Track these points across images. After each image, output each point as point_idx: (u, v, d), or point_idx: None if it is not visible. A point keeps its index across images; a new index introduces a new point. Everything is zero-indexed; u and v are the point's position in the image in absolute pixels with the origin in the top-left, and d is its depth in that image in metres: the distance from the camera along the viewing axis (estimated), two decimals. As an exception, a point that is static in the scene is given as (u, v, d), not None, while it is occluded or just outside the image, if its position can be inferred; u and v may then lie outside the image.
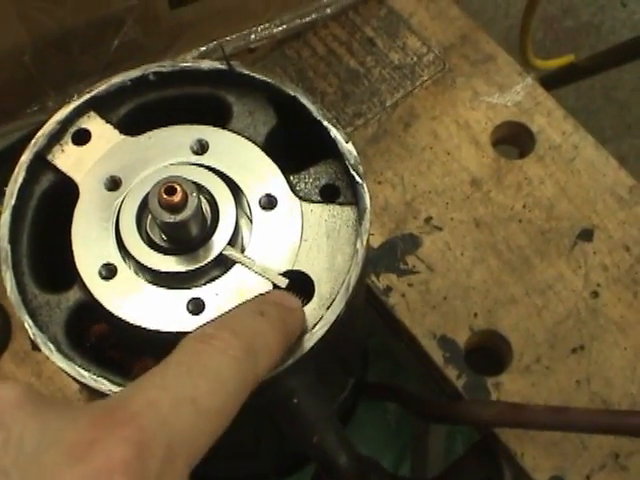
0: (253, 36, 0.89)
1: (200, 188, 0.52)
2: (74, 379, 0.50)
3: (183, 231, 0.50)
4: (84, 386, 0.51)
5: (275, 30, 0.90)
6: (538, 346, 0.76)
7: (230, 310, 0.47)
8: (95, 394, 0.51)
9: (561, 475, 0.71)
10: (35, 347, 0.68)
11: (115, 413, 0.35)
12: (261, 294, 0.50)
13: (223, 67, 0.57)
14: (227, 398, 0.39)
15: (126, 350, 0.58)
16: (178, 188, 0.47)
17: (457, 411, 0.72)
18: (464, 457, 0.77)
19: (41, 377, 0.76)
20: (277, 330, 0.44)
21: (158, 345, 0.53)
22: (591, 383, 0.74)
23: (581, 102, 2.14)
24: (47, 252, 0.55)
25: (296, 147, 0.57)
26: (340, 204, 0.54)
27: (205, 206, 0.52)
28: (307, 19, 0.90)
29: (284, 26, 0.90)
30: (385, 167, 0.84)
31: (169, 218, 0.48)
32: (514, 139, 0.87)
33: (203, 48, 0.88)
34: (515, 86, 0.88)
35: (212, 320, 0.47)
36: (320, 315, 0.50)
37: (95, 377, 0.49)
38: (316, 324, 0.49)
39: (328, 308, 0.50)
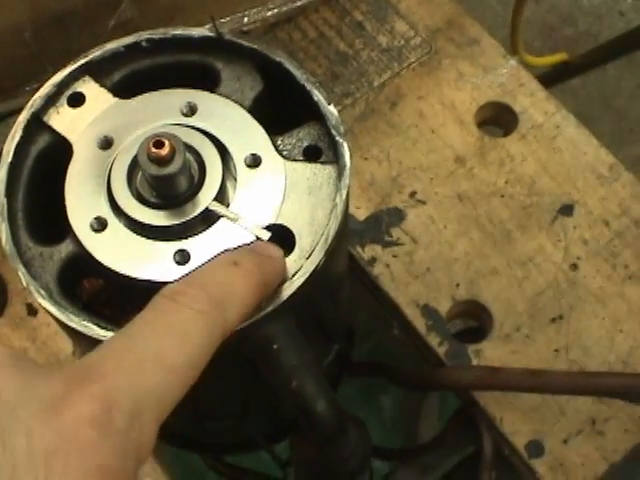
0: (246, 19, 0.92)
1: (188, 147, 0.55)
2: (64, 325, 0.52)
3: (170, 185, 0.52)
4: (74, 332, 0.53)
5: (268, 14, 0.93)
6: (518, 315, 0.78)
7: (205, 262, 0.49)
8: (86, 342, 0.54)
9: (539, 439, 0.73)
10: (31, 312, 0.71)
11: (85, 373, 0.38)
12: (242, 245, 0.52)
13: (212, 35, 0.60)
14: (192, 352, 0.41)
15: (117, 305, 0.60)
16: (166, 142, 0.50)
17: (438, 377, 0.75)
18: (446, 426, 0.79)
19: (35, 342, 0.79)
20: (251, 279, 0.46)
21: (146, 295, 0.55)
22: (570, 352, 0.77)
23: (579, 109, 2.14)
24: (42, 207, 0.57)
25: (282, 110, 0.60)
26: (322, 163, 0.56)
27: (193, 164, 0.54)
28: (299, 3, 0.93)
29: (277, 10, 0.93)
30: (372, 144, 0.86)
31: (157, 171, 0.50)
32: (498, 119, 0.89)
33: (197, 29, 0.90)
34: (499, 68, 0.90)
35: (187, 274, 0.49)
36: (300, 265, 0.52)
37: (85, 322, 0.51)
38: (296, 273, 0.52)
39: (307, 258, 0.52)
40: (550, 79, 1.51)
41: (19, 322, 0.79)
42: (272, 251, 0.51)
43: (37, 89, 0.76)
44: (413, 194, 0.84)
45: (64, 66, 0.59)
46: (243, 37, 0.92)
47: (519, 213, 0.83)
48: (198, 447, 0.83)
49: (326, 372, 0.79)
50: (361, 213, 0.83)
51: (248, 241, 0.53)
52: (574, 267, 0.80)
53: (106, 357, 0.39)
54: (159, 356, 0.40)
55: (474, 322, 0.82)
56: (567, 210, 0.83)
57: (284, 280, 0.51)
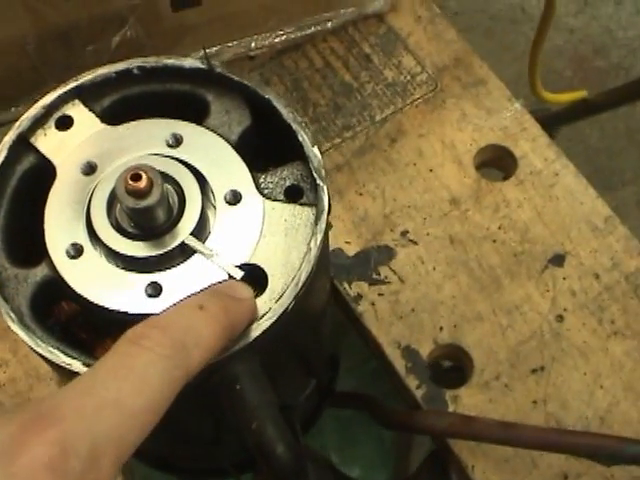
0: (253, 44, 0.92)
1: (169, 179, 0.55)
2: (32, 350, 0.52)
3: (148, 217, 0.52)
4: (43, 358, 0.53)
5: (276, 40, 0.93)
6: (499, 364, 0.78)
7: (170, 306, 0.49)
8: (55, 368, 0.54)
9: (509, 491, 0.73)
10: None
11: (43, 417, 0.38)
12: (212, 284, 0.52)
13: (204, 66, 0.60)
14: (152, 396, 0.41)
15: (91, 331, 0.61)
16: (144, 175, 0.50)
17: (414, 420, 0.74)
18: (419, 468, 0.79)
19: (17, 354, 0.79)
20: (216, 323, 0.46)
21: (117, 324, 0.55)
22: (548, 404, 0.76)
23: (604, 142, 2.15)
24: (22, 228, 0.57)
25: (267, 148, 0.60)
26: (301, 204, 0.56)
27: (172, 196, 0.54)
28: (307, 32, 0.93)
29: (285, 37, 0.93)
30: (368, 179, 0.86)
31: (134, 204, 0.50)
32: (497, 162, 0.89)
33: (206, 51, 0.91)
34: (503, 111, 0.90)
35: (162, 310, 0.49)
36: (269, 307, 0.52)
37: (51, 349, 0.52)
38: (264, 315, 0.52)
39: (277, 301, 0.52)
40: (567, 116, 1.50)
41: (1, 334, 0.79)
42: (241, 292, 0.51)
43: (37, 101, 0.77)
44: (405, 233, 0.83)
45: (54, 88, 0.60)
46: (245, 64, 0.93)
47: (509, 260, 0.82)
48: (171, 469, 0.83)
49: (304, 404, 0.79)
50: (351, 248, 0.83)
51: (220, 278, 0.53)
52: (560, 318, 0.80)
53: (65, 401, 0.40)
54: (118, 401, 0.40)
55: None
56: (558, 260, 0.82)
57: (253, 321, 0.51)
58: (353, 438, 1.32)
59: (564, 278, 0.82)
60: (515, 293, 0.81)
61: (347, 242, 0.83)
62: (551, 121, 1.39)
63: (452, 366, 0.83)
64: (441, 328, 0.79)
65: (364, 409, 0.90)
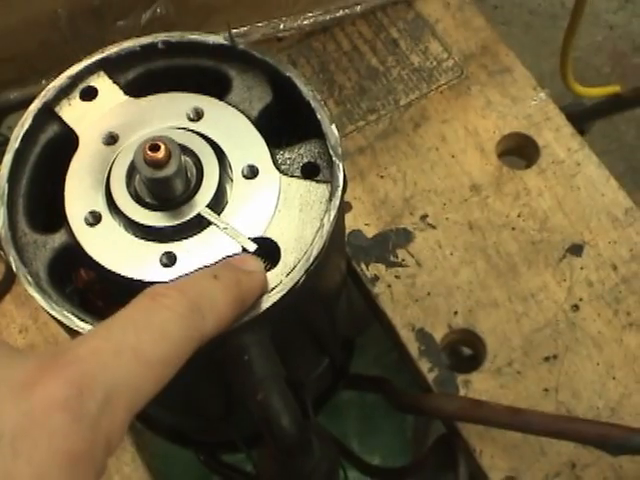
0: (282, 26, 0.93)
1: (188, 151, 0.56)
2: (47, 313, 0.53)
3: (165, 188, 0.53)
4: (58, 322, 0.54)
5: (304, 22, 0.93)
6: (512, 350, 0.78)
7: (194, 270, 0.51)
8: (70, 333, 0.55)
9: (516, 477, 0.73)
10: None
11: (60, 357, 0.39)
12: (225, 257, 0.53)
13: (227, 43, 0.61)
14: (169, 349, 0.42)
15: (107, 298, 0.62)
16: (162, 146, 0.51)
17: (423, 403, 0.75)
18: (427, 451, 0.79)
19: (37, 322, 0.81)
20: (228, 292, 0.47)
21: (131, 292, 0.56)
22: (559, 393, 0.76)
23: (640, 140, 2.14)
24: (43, 195, 0.59)
25: (286, 124, 0.61)
26: (317, 181, 0.57)
27: (190, 168, 0.55)
28: (336, 15, 0.94)
29: (313, 19, 0.93)
30: (390, 163, 0.87)
31: (152, 174, 0.51)
32: (520, 151, 0.89)
33: (233, 31, 0.91)
34: (528, 99, 0.90)
35: (180, 276, 0.51)
36: (280, 280, 0.53)
37: (65, 312, 0.53)
38: (275, 288, 0.52)
39: (288, 275, 0.53)
40: (601, 111, 1.49)
41: (24, 300, 0.81)
42: (252, 265, 0.52)
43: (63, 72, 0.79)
44: (424, 217, 0.84)
45: (80, 60, 0.61)
46: (273, 45, 0.93)
47: (528, 248, 0.82)
48: (184, 442, 0.84)
49: (317, 383, 0.80)
50: (370, 230, 0.83)
51: (235, 250, 0.53)
52: (575, 308, 0.80)
53: (83, 344, 0.40)
54: (136, 349, 0.40)
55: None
56: (576, 250, 0.82)
57: (263, 293, 0.52)
58: (374, 426, 1.33)
59: (581, 268, 0.82)
60: (532, 281, 0.81)
61: (366, 224, 0.83)
62: (585, 116, 1.38)
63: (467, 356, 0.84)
64: (456, 312, 0.79)
65: (377, 391, 0.90)
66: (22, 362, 0.39)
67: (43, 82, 0.88)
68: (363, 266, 0.82)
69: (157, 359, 0.41)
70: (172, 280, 0.51)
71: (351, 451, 1.01)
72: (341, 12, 0.93)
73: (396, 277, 0.81)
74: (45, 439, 0.35)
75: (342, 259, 0.69)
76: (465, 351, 0.87)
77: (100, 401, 0.38)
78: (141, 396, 0.40)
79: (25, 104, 0.59)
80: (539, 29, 2.24)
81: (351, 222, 0.83)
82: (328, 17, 0.93)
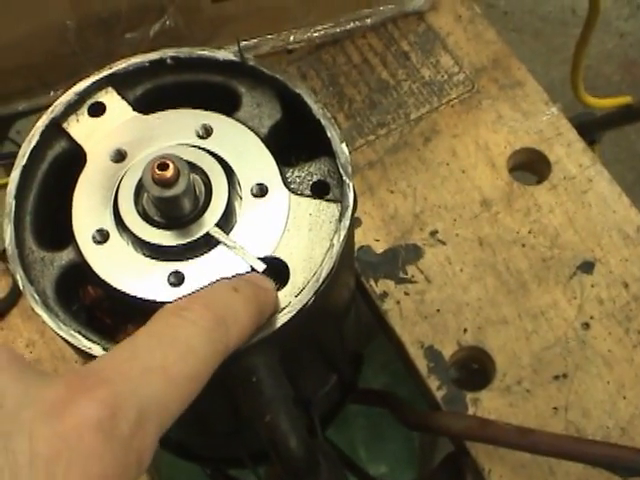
0: (292, 38, 0.93)
1: (197, 169, 0.55)
2: (53, 331, 0.53)
3: (174, 207, 0.53)
4: (65, 341, 0.54)
5: (314, 34, 0.93)
6: (522, 369, 0.77)
7: (207, 285, 0.50)
8: (77, 352, 0.55)
9: (525, 496, 0.72)
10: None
11: (89, 378, 0.38)
12: (238, 274, 0.52)
13: (236, 59, 0.60)
14: (196, 365, 0.42)
15: (115, 316, 0.61)
16: (171, 165, 0.50)
17: (431, 421, 0.74)
18: (436, 469, 0.78)
19: (44, 336, 0.80)
20: (249, 305, 0.47)
21: (138, 311, 0.56)
22: (569, 412, 0.76)
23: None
24: (51, 212, 0.58)
25: (296, 142, 0.60)
26: (327, 200, 0.56)
27: (199, 186, 0.55)
28: (347, 27, 0.93)
29: (323, 32, 0.93)
30: (400, 177, 0.86)
31: (160, 193, 0.51)
32: (531, 166, 0.88)
33: (242, 44, 0.91)
34: (539, 114, 0.89)
35: (189, 294, 0.50)
36: (289, 302, 0.52)
37: (72, 332, 0.52)
38: (284, 309, 0.52)
39: (297, 296, 0.52)
40: (612, 121, 1.48)
41: (31, 314, 0.80)
42: (266, 284, 0.51)
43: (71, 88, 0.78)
44: (434, 233, 0.83)
45: (88, 75, 0.60)
46: (283, 57, 0.93)
47: (538, 264, 0.82)
48: (192, 457, 0.84)
49: (325, 400, 0.79)
50: (379, 246, 0.83)
51: (244, 270, 0.53)
52: (586, 326, 0.79)
53: (111, 364, 0.40)
54: (164, 368, 0.40)
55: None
56: (587, 267, 0.81)
57: (275, 312, 0.52)
58: (381, 435, 1.33)
59: (592, 285, 0.81)
60: (542, 298, 0.80)
61: (376, 240, 0.83)
62: (595, 126, 1.37)
63: (476, 369, 0.83)
64: (465, 330, 0.79)
65: (385, 406, 0.90)
66: (51, 383, 0.38)
67: (51, 94, 0.87)
68: (372, 282, 0.81)
69: (185, 376, 0.41)
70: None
71: (358, 465, 1.00)
72: (351, 24, 0.93)
73: (405, 293, 0.80)
74: (79, 462, 0.35)
75: (351, 276, 0.68)
76: (474, 366, 0.86)
77: (132, 422, 0.37)
78: (170, 414, 0.40)
79: (32, 115, 0.59)
80: (550, 36, 2.23)
81: (360, 237, 0.83)
82: (338, 29, 0.93)
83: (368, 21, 0.94)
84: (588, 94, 1.26)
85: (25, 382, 0.38)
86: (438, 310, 0.80)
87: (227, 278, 0.52)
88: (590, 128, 1.37)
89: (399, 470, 1.30)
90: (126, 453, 0.37)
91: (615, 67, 2.25)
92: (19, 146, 0.58)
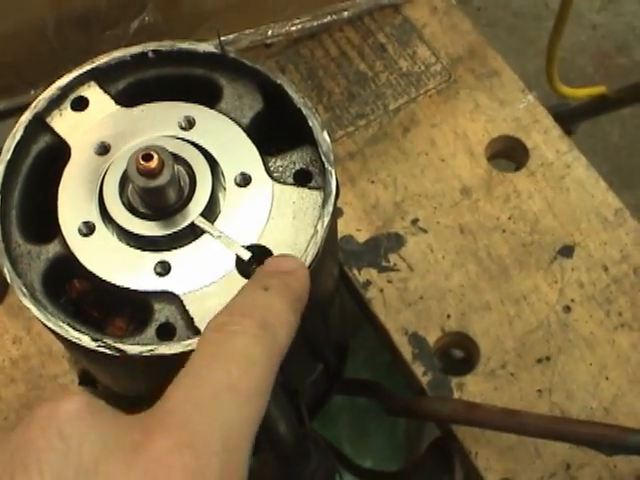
0: (270, 32, 0.93)
1: (181, 160, 0.56)
2: (43, 324, 0.53)
3: (159, 197, 0.53)
4: (53, 333, 0.54)
5: (292, 28, 0.94)
6: (505, 353, 0.78)
7: (235, 294, 0.48)
8: (65, 344, 0.55)
9: (512, 478, 0.73)
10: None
11: (165, 419, 0.37)
12: (260, 267, 0.51)
13: (217, 51, 0.61)
14: (260, 376, 0.40)
15: (102, 309, 0.62)
16: (155, 155, 0.51)
17: (417, 406, 0.75)
18: (423, 454, 0.79)
19: (31, 332, 0.80)
20: (284, 299, 0.46)
21: (126, 302, 0.57)
22: (553, 394, 0.77)
23: (626, 139, 2.15)
24: (36, 206, 0.59)
25: (278, 132, 0.61)
26: (310, 188, 0.57)
27: (183, 177, 0.55)
28: (324, 21, 0.94)
29: (301, 25, 0.94)
30: (380, 168, 0.87)
31: (145, 183, 0.51)
32: (509, 153, 0.89)
33: (222, 39, 0.91)
34: (516, 102, 0.90)
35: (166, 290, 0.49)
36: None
37: (61, 323, 0.53)
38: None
39: (283, 282, 0.53)
40: (587, 111, 1.49)
41: (17, 312, 0.80)
42: (290, 264, 0.50)
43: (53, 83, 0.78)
44: (415, 221, 0.84)
45: (70, 70, 0.61)
46: (261, 51, 0.94)
47: (519, 250, 0.83)
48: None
49: (311, 389, 0.80)
50: (361, 235, 0.83)
51: (229, 258, 0.54)
52: (567, 309, 0.80)
53: (178, 399, 0.38)
54: (231, 386, 0.38)
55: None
56: (567, 251, 0.83)
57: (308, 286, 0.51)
58: (366, 430, 1.33)
59: (572, 269, 0.82)
60: (523, 283, 0.81)
61: (358, 229, 0.84)
62: (570, 116, 1.38)
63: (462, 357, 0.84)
64: (448, 316, 0.80)
65: (371, 396, 0.90)
66: (128, 428, 0.37)
67: (32, 92, 0.88)
68: (355, 271, 0.82)
69: (253, 390, 0.39)
70: (172, 289, 0.50)
71: (345, 455, 1.01)
72: (329, 18, 0.94)
73: (388, 282, 0.81)
74: None
75: (335, 265, 0.69)
76: (458, 354, 0.87)
77: (220, 453, 0.36)
78: (251, 434, 0.38)
79: (13, 114, 0.59)
80: (523, 30, 2.25)
81: (343, 227, 0.84)
82: (316, 23, 0.94)
83: (345, 14, 0.95)
84: (563, 85, 1.27)
85: (101, 430, 0.37)
86: (421, 297, 0.81)
87: (251, 279, 0.50)
88: (565, 119, 1.39)
89: (384, 464, 1.31)
90: None
91: (588, 59, 2.27)
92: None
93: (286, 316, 0.45)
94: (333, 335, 0.79)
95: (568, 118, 1.37)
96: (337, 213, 0.59)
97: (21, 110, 0.60)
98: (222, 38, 0.93)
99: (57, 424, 0.37)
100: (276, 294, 0.46)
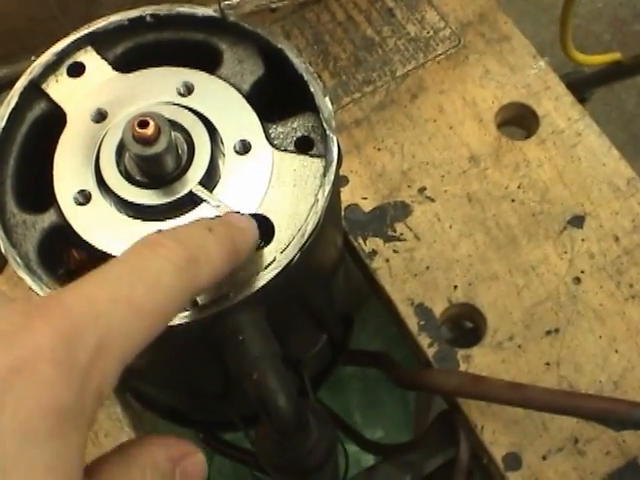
0: (276, -4, 0.91)
1: (179, 127, 0.54)
2: (37, 295, 0.52)
3: (156, 165, 0.52)
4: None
5: (298, -8, 0.92)
6: (513, 324, 0.77)
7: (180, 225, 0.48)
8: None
9: (518, 452, 0.72)
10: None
11: (49, 304, 0.36)
12: (217, 216, 0.51)
13: (217, 15, 0.59)
14: (163, 300, 0.40)
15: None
16: (151, 122, 0.49)
17: (423, 379, 0.74)
18: (429, 427, 0.78)
19: (31, 301, 0.79)
20: (223, 246, 0.46)
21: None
22: (561, 367, 0.75)
23: (640, 108, 2.13)
24: (32, 174, 0.58)
25: (280, 98, 0.59)
26: (311, 156, 0.55)
27: (181, 144, 0.54)
28: (330, -16, 0.92)
29: (307, -11, 0.91)
30: (387, 135, 0.85)
31: (141, 151, 0.50)
32: (519, 121, 0.87)
33: (225, 3, 0.90)
34: (527, 68, 0.88)
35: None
36: (274, 258, 0.52)
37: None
38: (269, 265, 0.51)
39: (282, 252, 0.52)
40: (602, 79, 1.46)
41: (17, 281, 0.79)
42: (243, 222, 0.50)
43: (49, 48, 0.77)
44: (422, 190, 0.82)
45: (66, 35, 0.59)
46: (266, 16, 0.92)
47: (528, 220, 0.81)
48: (183, 421, 0.83)
49: (316, 360, 0.79)
50: (367, 204, 0.82)
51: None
52: (577, 280, 0.78)
53: (76, 291, 0.38)
54: (130, 298, 0.38)
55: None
56: (577, 221, 0.81)
57: (253, 250, 0.51)
58: (377, 399, 1.33)
59: (583, 240, 0.80)
60: (532, 254, 0.80)
61: (364, 198, 0.82)
62: (585, 84, 1.36)
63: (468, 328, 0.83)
64: (455, 287, 0.78)
65: (377, 366, 0.90)
66: (9, 310, 0.36)
67: (32, 58, 0.86)
68: (361, 241, 0.80)
69: (151, 309, 0.39)
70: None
71: (352, 427, 1.00)
72: (335, -19, 0.92)
73: (394, 251, 0.80)
74: (32, 395, 0.33)
75: (338, 234, 0.68)
76: (466, 324, 0.86)
77: (91, 351, 0.35)
78: (133, 346, 0.38)
79: (14, 81, 0.58)
80: (539, -5, 2.22)
81: (348, 196, 0.82)
82: (322, -13, 0.92)
83: (352, -23, 0.92)
84: (578, 52, 1.25)
85: None
86: (428, 267, 0.79)
87: (203, 218, 0.50)
88: (580, 86, 1.36)
89: (395, 434, 1.30)
90: (83, 383, 0.35)
91: (605, 26, 2.24)
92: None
93: (216, 261, 0.45)
94: (338, 305, 0.78)
95: (583, 85, 1.35)
96: (339, 181, 0.58)
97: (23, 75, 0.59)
98: (226, 2, 0.92)
99: None
100: (217, 238, 0.46)
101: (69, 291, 0.38)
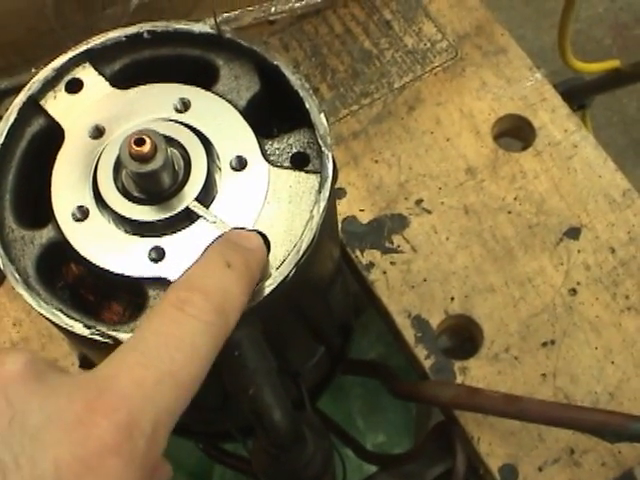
0: (274, 9, 0.92)
1: (175, 143, 0.55)
2: (34, 310, 0.53)
3: (152, 182, 0.53)
4: (47, 319, 0.54)
5: (296, 5, 0.92)
6: (510, 336, 0.77)
7: (197, 260, 0.48)
8: (60, 330, 0.54)
9: (514, 464, 0.73)
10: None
11: (107, 396, 0.39)
12: (224, 236, 0.51)
13: (213, 32, 0.60)
14: (201, 366, 0.43)
15: (98, 293, 0.61)
16: (147, 140, 0.50)
17: (420, 390, 0.75)
18: (425, 438, 0.79)
19: (31, 315, 0.80)
20: (242, 280, 0.47)
21: (120, 287, 0.56)
22: (557, 378, 0.76)
23: (640, 113, 2.13)
24: (30, 190, 0.58)
25: (275, 114, 0.60)
26: (307, 172, 0.56)
27: (178, 160, 0.54)
28: (329, -3, 0.92)
29: (305, 2, 0.92)
30: (384, 147, 0.86)
31: (138, 168, 0.50)
32: (516, 132, 0.88)
33: (224, 16, 0.90)
34: (524, 80, 0.89)
35: (181, 275, 0.48)
36: (270, 274, 0.52)
37: (54, 310, 0.52)
38: (265, 281, 0.52)
39: (278, 269, 0.52)
40: (603, 84, 1.47)
41: (17, 294, 0.80)
42: (253, 243, 0.51)
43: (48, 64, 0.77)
44: (419, 202, 0.83)
45: (65, 52, 0.60)
46: (265, 28, 0.92)
47: (524, 232, 0.81)
48: (182, 432, 0.84)
49: (314, 371, 0.80)
50: (364, 216, 0.82)
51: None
52: (573, 292, 0.79)
53: (123, 373, 0.40)
54: (173, 374, 0.41)
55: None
56: (573, 233, 0.81)
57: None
58: (379, 405, 1.33)
59: (579, 251, 0.81)
60: (528, 265, 0.80)
61: (361, 210, 0.83)
62: (586, 90, 1.36)
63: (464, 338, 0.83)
64: (452, 298, 0.79)
65: (375, 377, 0.90)
66: (70, 399, 0.39)
67: (33, 70, 0.87)
68: (358, 253, 0.81)
69: (192, 379, 0.42)
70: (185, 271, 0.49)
71: (352, 437, 1.00)
72: (333, -6, 0.92)
73: (391, 263, 0.80)
74: None
75: (335, 247, 0.68)
76: (462, 337, 0.86)
77: (148, 437, 0.39)
78: (177, 416, 0.41)
79: (15, 93, 0.59)
80: (540, 1, 2.23)
81: (345, 208, 0.83)
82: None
83: (350, -10, 0.93)
84: (579, 58, 1.25)
85: (44, 397, 0.39)
86: (425, 279, 0.80)
87: (213, 245, 0.50)
88: (580, 93, 1.37)
89: (397, 439, 1.31)
90: (144, 466, 0.38)
91: (606, 31, 2.24)
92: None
93: (240, 301, 0.46)
94: (336, 316, 0.78)
95: (583, 92, 1.35)
96: (335, 197, 0.58)
97: (22, 88, 0.60)
98: (225, 15, 0.93)
99: (3, 388, 0.39)
100: (237, 275, 0.47)
101: (118, 374, 0.40)
